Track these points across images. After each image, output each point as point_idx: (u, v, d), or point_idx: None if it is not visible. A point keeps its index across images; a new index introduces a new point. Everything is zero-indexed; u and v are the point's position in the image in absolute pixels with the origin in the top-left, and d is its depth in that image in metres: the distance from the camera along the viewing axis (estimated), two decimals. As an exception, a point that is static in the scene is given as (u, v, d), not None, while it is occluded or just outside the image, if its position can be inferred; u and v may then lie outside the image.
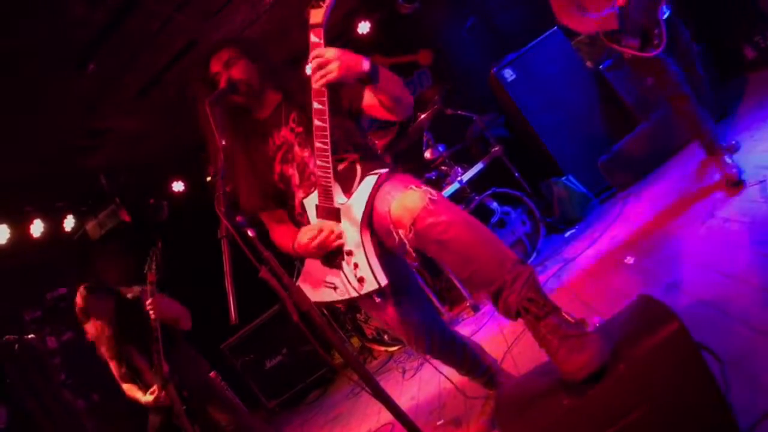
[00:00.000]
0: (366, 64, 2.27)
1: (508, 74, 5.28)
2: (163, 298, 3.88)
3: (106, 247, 6.66)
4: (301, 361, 6.15)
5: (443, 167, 5.42)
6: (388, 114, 2.50)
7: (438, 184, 5.36)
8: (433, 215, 2.12)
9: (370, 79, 2.30)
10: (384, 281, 2.33)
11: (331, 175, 2.39)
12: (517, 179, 5.41)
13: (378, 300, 2.53)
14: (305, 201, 2.53)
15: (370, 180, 2.39)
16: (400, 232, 2.19)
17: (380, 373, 5.14)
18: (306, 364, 6.15)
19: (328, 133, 2.34)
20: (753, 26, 4.39)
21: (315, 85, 2.29)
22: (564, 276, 4.04)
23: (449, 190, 5.12)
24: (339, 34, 6.92)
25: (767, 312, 2.15)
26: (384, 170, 2.42)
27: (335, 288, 2.51)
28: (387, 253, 2.47)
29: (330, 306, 2.87)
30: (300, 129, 2.57)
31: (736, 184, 3.22)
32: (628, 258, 3.45)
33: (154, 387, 3.73)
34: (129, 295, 3.98)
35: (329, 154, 2.36)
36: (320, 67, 2.25)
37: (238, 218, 2.12)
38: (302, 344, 6.09)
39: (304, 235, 2.47)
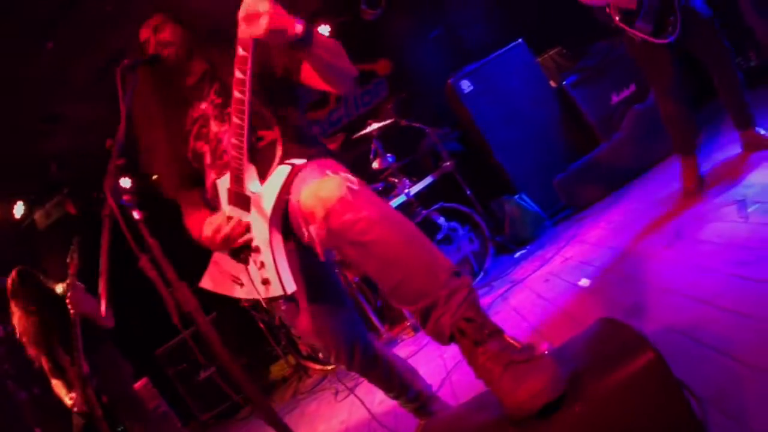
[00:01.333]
0: (299, 27, 1.88)
1: (465, 85, 4.91)
2: (81, 293, 3.58)
3: (51, 238, 6.36)
4: (230, 374, 5.59)
5: (391, 179, 4.99)
6: (327, 85, 2.09)
7: (384, 196, 4.93)
8: (351, 209, 1.69)
9: (302, 42, 1.90)
10: (290, 288, 1.96)
11: (245, 156, 2.02)
12: (467, 196, 5.03)
13: (284, 307, 2.17)
14: (218, 182, 2.16)
15: (283, 170, 2.00)
16: (312, 228, 1.77)
17: (313, 392, 4.63)
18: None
19: (246, 107, 1.95)
20: (735, 46, 4.09)
21: (240, 38, 1.89)
22: (511, 298, 3.63)
23: (395, 202, 4.69)
24: (296, 37, 6.50)
25: (748, 341, 1.75)
26: (301, 161, 2.05)
27: (242, 284, 2.14)
28: (306, 253, 2.10)
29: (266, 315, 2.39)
30: (219, 100, 2.20)
31: None
32: (583, 280, 3.05)
33: (73, 392, 3.51)
34: (58, 290, 3.77)
35: (245, 131, 1.99)
36: (248, 18, 1.86)
37: (126, 197, 1.76)
38: (236, 356, 5.54)
39: (209, 226, 2.11)
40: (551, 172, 4.67)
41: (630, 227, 3.38)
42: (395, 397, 2.48)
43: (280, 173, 2.00)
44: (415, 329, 4.28)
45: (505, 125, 4.89)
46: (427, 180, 4.91)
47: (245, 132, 1.99)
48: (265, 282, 2.02)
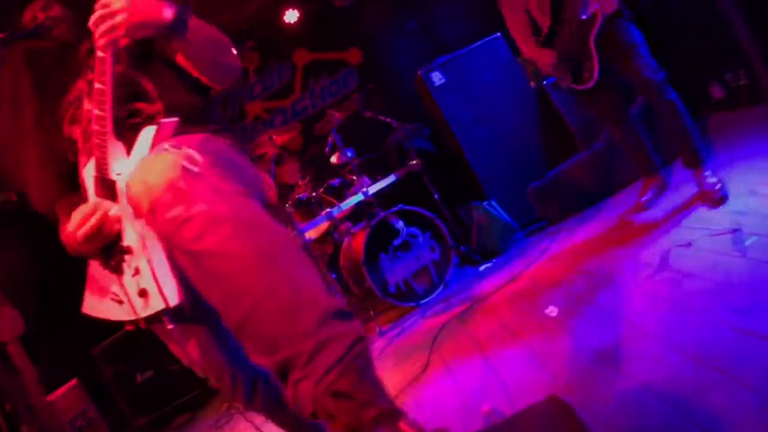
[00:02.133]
0: (168, 13, 1.54)
1: (437, 78, 4.43)
2: None
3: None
4: (171, 378, 5.06)
5: (349, 176, 4.50)
6: (203, 78, 1.73)
7: (340, 194, 4.45)
8: (182, 201, 1.21)
9: (173, 32, 1.56)
10: (173, 299, 1.51)
11: (109, 129, 1.59)
12: (434, 199, 4.56)
13: (171, 326, 1.61)
14: (85, 171, 1.71)
15: (148, 133, 1.57)
16: (140, 223, 1.35)
17: (230, 413, 4.12)
18: (176, 383, 5.06)
19: (108, 68, 1.56)
20: (724, 63, 3.68)
21: (97, 44, 1.55)
22: (469, 320, 3.15)
23: (350, 201, 4.20)
24: (263, 21, 5.98)
25: (750, 422, 1.30)
26: (172, 120, 1.58)
27: (120, 302, 1.65)
28: None
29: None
30: (92, 76, 1.71)
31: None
32: (550, 308, 2.58)
33: None
34: None
35: (107, 97, 1.58)
36: (103, 18, 1.51)
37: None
38: (172, 361, 5.00)
39: (72, 222, 1.64)
40: (525, 180, 4.20)
41: (608, 248, 2.92)
42: None
43: (145, 138, 1.56)
44: (381, 333, 3.80)
45: (477, 124, 4.41)
46: (390, 179, 4.43)
47: (108, 98, 1.56)
48: (143, 293, 1.56)
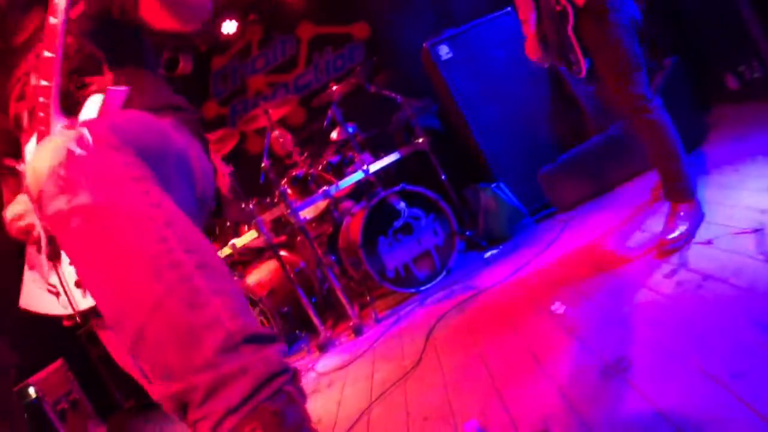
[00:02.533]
0: None
1: (444, 51, 4.11)
2: None
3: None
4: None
5: (350, 152, 4.23)
6: (171, 20, 1.46)
7: (340, 172, 4.18)
8: (64, 191, 0.95)
9: None
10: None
11: (54, 102, 1.36)
12: (440, 180, 4.29)
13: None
14: (26, 149, 1.50)
15: (93, 102, 1.33)
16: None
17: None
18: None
19: (59, 36, 1.34)
20: (740, 54, 3.38)
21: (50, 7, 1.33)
22: (468, 309, 2.89)
23: (349, 179, 3.93)
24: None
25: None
26: (122, 88, 1.37)
27: (57, 294, 1.44)
28: None
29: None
30: (42, 46, 1.48)
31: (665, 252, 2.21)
32: (557, 305, 2.31)
33: None
34: None
35: (56, 67, 1.37)
36: None
37: None
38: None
39: (10, 209, 1.49)
40: (537, 162, 3.90)
41: (623, 240, 2.64)
42: None
43: (91, 107, 1.33)
44: (357, 332, 3.54)
45: (487, 102, 4.10)
46: (393, 157, 4.15)
47: (55, 68, 1.35)
48: (79, 284, 1.34)
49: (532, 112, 4.13)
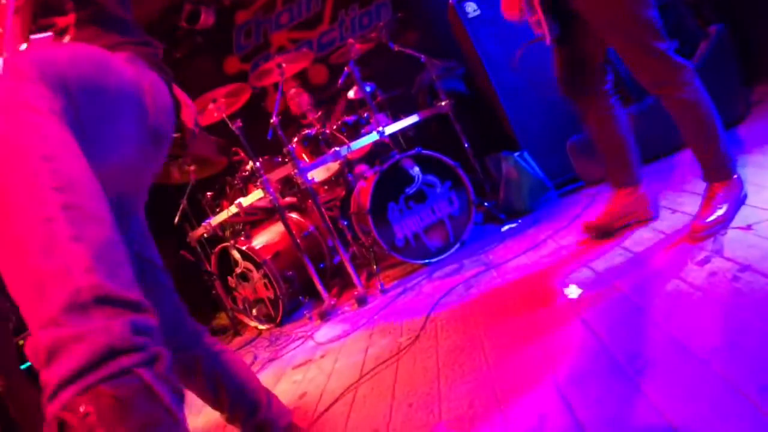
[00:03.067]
0: None
1: (471, 8, 3.78)
2: None
3: None
4: (166, 317, 4.72)
5: (366, 113, 3.96)
6: None
7: (356, 133, 3.92)
8: None
9: None
10: None
11: (8, 49, 1.28)
12: (462, 147, 4.01)
13: None
14: None
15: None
16: None
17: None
18: (171, 323, 4.72)
19: None
20: None
21: None
22: (475, 288, 2.64)
23: (362, 141, 3.66)
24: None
25: None
26: (44, 36, 1.32)
27: None
28: None
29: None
30: None
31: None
32: (572, 288, 2.05)
33: None
34: None
35: (10, 11, 1.29)
36: None
37: None
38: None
39: None
40: (565, 132, 3.59)
41: (651, 220, 2.35)
42: (222, 413, 1.66)
43: None
44: (361, 302, 3.32)
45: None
46: (411, 119, 3.87)
47: (9, 11, 1.27)
48: None
49: (562, 77, 3.79)
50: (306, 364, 2.78)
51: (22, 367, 4.19)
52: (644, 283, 1.78)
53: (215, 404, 1.63)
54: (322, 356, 2.76)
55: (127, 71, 1.25)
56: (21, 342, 4.11)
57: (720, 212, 1.92)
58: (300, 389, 2.47)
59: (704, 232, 1.89)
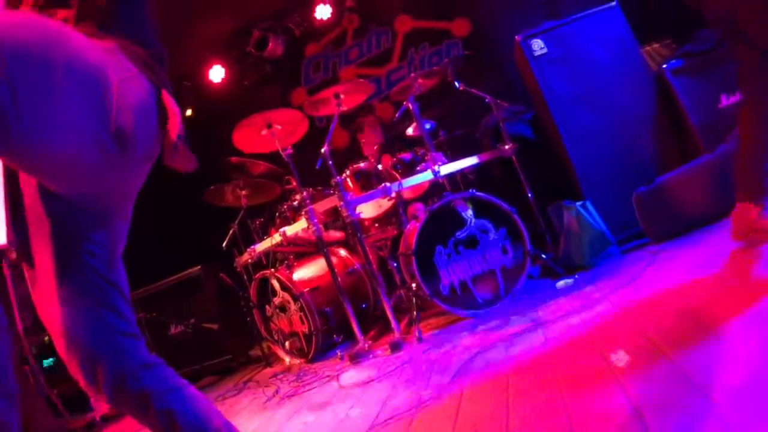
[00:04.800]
0: None
1: (537, 46, 3.57)
2: None
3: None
4: (205, 339, 4.59)
5: (423, 151, 3.77)
6: None
7: (411, 170, 3.72)
8: None
9: None
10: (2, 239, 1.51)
11: None
12: (523, 193, 3.74)
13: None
14: None
15: None
16: None
17: (261, 385, 3.51)
18: (209, 345, 4.59)
19: None
20: None
21: None
22: (516, 347, 2.34)
23: (414, 179, 3.45)
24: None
25: None
26: None
27: None
28: (52, 200, 1.26)
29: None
30: None
31: None
32: (619, 354, 1.74)
33: None
34: None
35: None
36: None
37: None
38: (211, 320, 4.53)
39: None
40: (631, 182, 3.28)
41: (720, 285, 2.01)
42: None
43: None
44: (394, 348, 3.06)
45: (581, 106, 3.53)
46: (470, 160, 3.64)
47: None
48: None
49: (631, 123, 3.51)
50: (322, 406, 2.55)
51: (45, 363, 4.19)
52: (707, 353, 1.46)
53: None
54: (342, 400, 2.52)
55: (92, 56, 1.15)
56: (46, 339, 4.09)
57: None
58: (308, 433, 2.24)
59: None
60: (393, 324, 3.20)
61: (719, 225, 2.88)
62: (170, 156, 1.39)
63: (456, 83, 3.89)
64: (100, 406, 3.91)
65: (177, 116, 1.38)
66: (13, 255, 1.25)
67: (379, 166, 3.71)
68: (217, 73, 5.98)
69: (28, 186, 1.27)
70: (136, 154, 1.27)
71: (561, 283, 3.20)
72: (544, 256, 3.52)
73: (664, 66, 3.41)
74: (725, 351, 1.48)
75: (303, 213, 3.40)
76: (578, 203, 3.41)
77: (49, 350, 4.17)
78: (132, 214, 1.42)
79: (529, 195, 3.76)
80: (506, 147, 3.72)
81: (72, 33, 1.15)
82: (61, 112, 1.06)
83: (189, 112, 6.18)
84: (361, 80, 3.70)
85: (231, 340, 4.53)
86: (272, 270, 3.74)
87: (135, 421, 1.37)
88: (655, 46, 3.97)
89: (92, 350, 1.28)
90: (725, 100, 3.38)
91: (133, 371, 1.31)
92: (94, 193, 1.28)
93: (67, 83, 1.06)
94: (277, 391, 3.16)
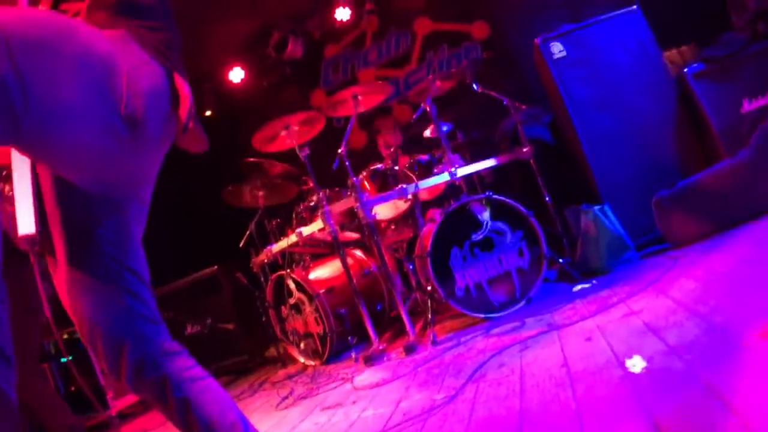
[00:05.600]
0: None
1: (557, 49, 3.52)
2: None
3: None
4: (221, 338, 4.59)
5: (440, 153, 3.74)
6: None
7: (428, 172, 3.69)
8: None
9: None
10: (25, 228, 1.26)
11: None
12: (541, 196, 3.69)
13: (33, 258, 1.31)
14: None
15: None
16: None
17: (275, 387, 3.51)
18: (226, 344, 4.60)
19: None
20: None
21: None
22: (531, 351, 2.30)
23: (431, 180, 3.42)
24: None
25: None
26: None
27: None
28: (68, 189, 1.28)
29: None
30: None
31: None
32: (636, 360, 1.70)
33: None
34: None
35: None
36: None
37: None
38: (227, 320, 4.54)
39: None
40: (652, 187, 3.23)
41: (740, 291, 1.95)
42: None
43: None
44: (409, 350, 3.03)
45: (601, 110, 3.47)
46: (487, 163, 3.60)
47: None
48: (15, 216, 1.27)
49: (652, 127, 3.44)
50: (335, 407, 2.53)
51: (63, 360, 4.21)
52: (724, 361, 1.41)
53: (182, 426, 1.39)
54: (354, 402, 2.50)
55: (101, 46, 1.17)
56: (65, 336, 4.11)
57: None
58: (321, 436, 2.22)
59: None
60: (408, 326, 3.17)
61: (742, 230, 2.82)
62: (181, 137, 1.41)
63: (474, 85, 3.86)
64: (117, 404, 3.93)
65: (188, 98, 1.38)
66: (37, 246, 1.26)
67: (396, 168, 3.68)
68: (236, 75, 6.01)
69: (44, 175, 1.29)
70: (149, 137, 1.28)
71: (578, 288, 3.15)
72: (561, 260, 3.47)
73: (686, 70, 3.35)
74: (748, 362, 1.43)
75: (319, 214, 3.38)
76: (596, 207, 3.35)
77: (68, 347, 4.20)
78: (151, 200, 1.43)
79: (547, 199, 3.72)
80: (524, 150, 3.68)
81: (82, 26, 1.17)
82: (71, 101, 1.07)
83: (209, 113, 6.22)
84: (379, 81, 3.69)
85: (247, 341, 4.54)
86: (288, 270, 3.73)
87: (156, 411, 1.40)
88: (677, 50, 3.91)
89: (114, 335, 1.30)
90: (747, 105, 3.30)
91: (153, 357, 1.33)
92: (108, 179, 1.29)
93: (76, 74, 1.08)
94: (291, 393, 3.14)
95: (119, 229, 1.33)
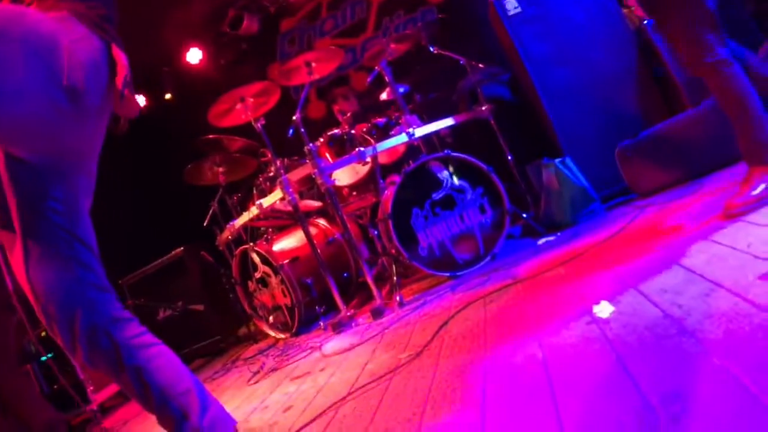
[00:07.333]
0: None
1: (511, 6, 3.37)
2: None
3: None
4: (194, 322, 4.41)
5: (397, 114, 3.58)
6: None
7: (385, 135, 3.54)
8: None
9: None
10: None
11: None
12: (502, 154, 3.57)
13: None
14: None
15: None
16: None
17: (248, 362, 3.37)
18: (198, 327, 4.42)
19: None
20: None
21: None
22: (495, 304, 2.18)
23: (389, 142, 3.26)
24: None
25: None
26: None
27: None
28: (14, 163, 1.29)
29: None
30: None
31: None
32: (602, 305, 1.58)
33: None
34: None
35: None
36: None
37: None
38: (197, 301, 4.35)
39: None
40: (613, 138, 3.11)
41: (707, 238, 1.84)
42: (150, 409, 1.39)
43: None
44: (376, 314, 2.91)
45: (559, 65, 3.34)
46: (445, 122, 3.45)
47: None
48: None
49: (612, 80, 3.32)
50: (304, 376, 2.40)
51: (42, 358, 4.01)
52: (692, 302, 1.31)
53: (144, 403, 1.36)
54: (322, 369, 2.37)
55: (46, 26, 1.26)
56: (43, 334, 3.91)
57: (756, 191, 1.83)
58: (288, 402, 2.10)
59: (737, 210, 1.81)
60: (374, 291, 3.04)
61: (704, 179, 2.72)
62: (118, 104, 1.42)
63: (431, 47, 3.71)
64: (97, 397, 3.76)
65: (125, 68, 1.41)
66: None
67: (353, 132, 3.52)
68: (194, 56, 5.77)
69: None
70: (90, 106, 1.32)
71: (542, 241, 3.05)
72: (524, 215, 3.37)
73: (645, 22, 3.22)
74: (704, 292, 1.32)
75: (278, 183, 3.21)
76: (557, 160, 3.24)
77: (45, 346, 4.00)
78: (97, 170, 1.43)
79: (509, 156, 3.60)
80: (482, 108, 3.55)
81: (29, 12, 1.27)
82: (16, 79, 1.16)
83: (168, 96, 5.97)
84: (332, 47, 3.48)
85: (219, 322, 4.37)
86: (251, 244, 3.57)
87: (113, 383, 1.34)
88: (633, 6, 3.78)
89: (65, 304, 1.29)
90: (710, 55, 3.19)
91: (104, 325, 1.32)
92: (55, 150, 1.30)
93: (22, 54, 1.17)
94: (261, 367, 3.00)
95: (68, 201, 1.32)
